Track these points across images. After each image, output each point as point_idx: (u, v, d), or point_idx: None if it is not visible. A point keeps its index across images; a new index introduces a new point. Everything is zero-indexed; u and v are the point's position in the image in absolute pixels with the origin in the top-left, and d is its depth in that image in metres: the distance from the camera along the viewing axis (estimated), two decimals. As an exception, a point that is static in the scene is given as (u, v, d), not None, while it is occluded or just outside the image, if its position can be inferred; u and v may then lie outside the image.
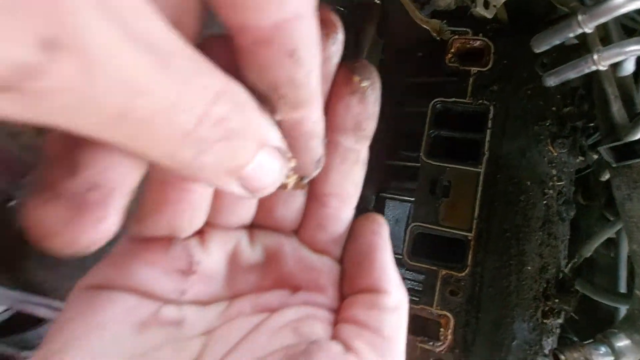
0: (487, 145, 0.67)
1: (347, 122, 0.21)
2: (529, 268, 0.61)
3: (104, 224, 0.14)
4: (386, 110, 0.74)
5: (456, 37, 0.72)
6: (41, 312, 0.32)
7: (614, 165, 0.57)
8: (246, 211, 0.23)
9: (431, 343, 0.63)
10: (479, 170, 0.66)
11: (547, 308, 0.61)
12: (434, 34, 0.73)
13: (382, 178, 0.80)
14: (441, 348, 0.63)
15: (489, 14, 0.65)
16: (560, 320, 0.62)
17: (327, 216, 0.23)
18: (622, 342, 0.55)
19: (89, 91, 0.10)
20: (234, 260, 0.23)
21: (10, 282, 0.34)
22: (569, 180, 0.64)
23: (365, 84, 0.21)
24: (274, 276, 0.23)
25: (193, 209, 0.20)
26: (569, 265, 0.74)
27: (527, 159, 0.64)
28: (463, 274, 0.64)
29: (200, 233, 0.21)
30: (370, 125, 0.22)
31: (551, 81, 0.57)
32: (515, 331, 0.60)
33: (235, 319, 0.21)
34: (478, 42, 0.71)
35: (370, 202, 0.79)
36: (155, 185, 0.19)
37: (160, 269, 0.20)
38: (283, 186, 0.20)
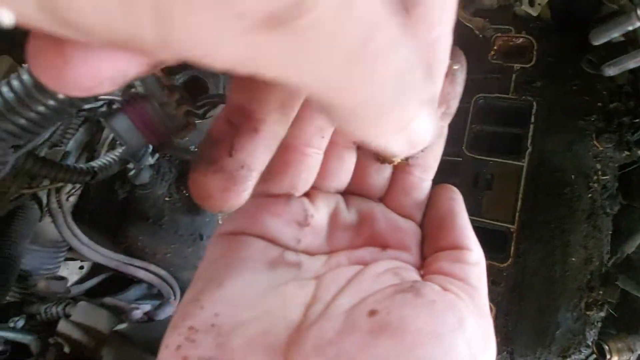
0: (530, 139, 0.68)
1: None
2: (574, 259, 0.62)
3: (244, 194, 0.19)
4: None
5: (499, 34, 0.74)
6: (140, 273, 0.36)
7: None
8: (345, 177, 0.26)
9: (472, 330, 0.65)
10: (522, 164, 0.68)
11: (590, 300, 0.62)
12: (477, 32, 0.75)
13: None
14: (483, 335, 0.64)
15: (534, 12, 0.67)
16: (602, 314, 0.63)
17: (411, 184, 0.26)
18: (669, 334, 0.56)
19: (338, 28, 0.10)
20: (333, 220, 0.25)
21: (115, 246, 0.38)
22: (613, 175, 0.65)
23: (456, 66, 0.23)
24: (365, 235, 0.26)
25: (308, 172, 0.24)
26: (611, 260, 0.74)
27: (573, 152, 0.65)
28: (505, 264, 0.65)
29: (308, 194, 0.25)
30: (455, 104, 0.25)
31: (610, 71, 0.58)
32: (559, 320, 0.61)
33: (337, 269, 0.23)
34: (521, 40, 0.73)
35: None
36: (280, 151, 0.22)
37: (282, 220, 0.23)
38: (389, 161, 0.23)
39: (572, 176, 0.64)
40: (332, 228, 0.25)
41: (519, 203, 0.66)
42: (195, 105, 0.31)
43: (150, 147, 0.38)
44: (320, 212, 0.25)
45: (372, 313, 0.19)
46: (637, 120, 0.66)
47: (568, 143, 0.66)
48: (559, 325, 0.61)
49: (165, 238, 0.39)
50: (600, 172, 0.64)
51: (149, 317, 0.34)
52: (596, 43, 0.57)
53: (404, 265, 0.25)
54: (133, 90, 0.29)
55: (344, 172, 0.26)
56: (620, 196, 0.76)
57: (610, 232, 0.65)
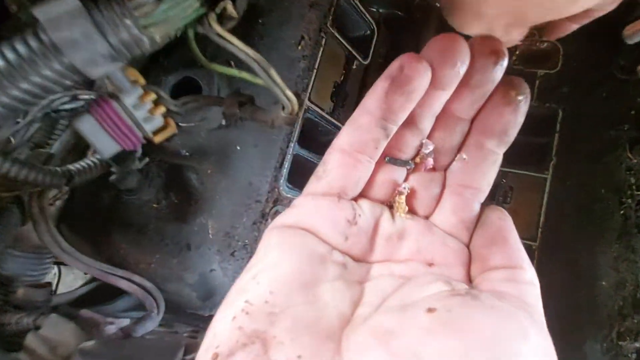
0: (554, 150, 0.63)
1: (496, 127, 0.26)
2: (604, 283, 0.56)
3: None
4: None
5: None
6: (123, 284, 0.34)
7: None
8: (392, 190, 0.27)
9: None
10: (546, 176, 0.62)
11: (623, 329, 0.55)
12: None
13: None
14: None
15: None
16: (638, 344, 0.56)
17: (460, 204, 0.27)
18: None
19: None
20: (377, 227, 0.26)
21: (97, 254, 0.37)
22: (649, 190, 0.59)
23: (520, 97, 0.25)
24: (411, 250, 0.26)
25: (359, 177, 0.26)
26: None
27: (603, 165, 0.59)
28: (525, 285, 0.60)
29: (355, 199, 0.26)
30: (513, 133, 0.26)
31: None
32: (586, 353, 0.55)
33: (380, 277, 0.24)
34: (546, 44, 0.68)
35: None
36: (335, 154, 0.26)
37: (332, 216, 0.24)
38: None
39: (602, 190, 0.58)
40: (376, 235, 0.26)
41: (542, 218, 0.61)
42: (175, 106, 0.29)
43: (140, 150, 0.37)
44: (366, 215, 0.25)
45: (431, 310, 0.19)
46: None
47: (597, 154, 0.60)
48: (586, 357, 0.55)
49: (150, 247, 0.37)
50: (634, 187, 0.58)
51: (125, 333, 0.32)
52: (631, 42, 0.52)
53: (452, 277, 0.25)
54: (102, 89, 0.27)
55: (393, 182, 0.27)
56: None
57: None
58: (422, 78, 0.24)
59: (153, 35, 0.23)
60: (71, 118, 0.26)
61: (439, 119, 0.28)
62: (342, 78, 0.58)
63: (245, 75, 0.29)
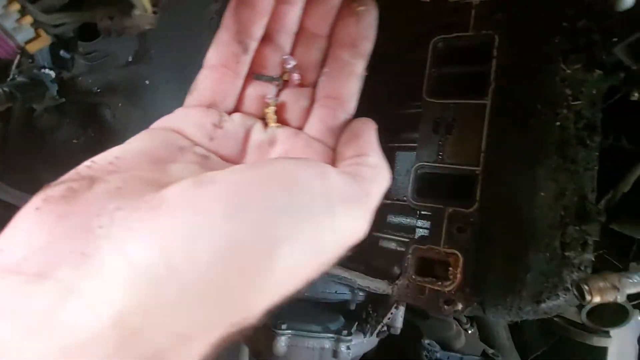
0: (493, 75, 0.63)
1: (345, 39, 0.30)
2: (543, 194, 0.56)
3: None
4: (392, 62, 0.73)
5: (456, -28, 0.69)
6: None
7: (634, 66, 0.50)
8: (262, 104, 0.31)
9: (440, 283, 0.60)
10: (485, 102, 0.63)
11: (568, 240, 0.55)
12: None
13: (391, 129, 0.79)
14: (451, 287, 0.60)
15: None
16: (589, 256, 0.56)
17: (326, 114, 0.31)
18: (664, 270, 0.48)
19: None
20: (249, 135, 0.30)
21: (28, 190, 0.41)
22: (590, 101, 0.58)
23: (361, 8, 0.29)
24: (277, 154, 0.29)
25: (227, 90, 0.30)
26: (604, 200, 0.66)
27: (538, 81, 0.59)
28: (471, 209, 0.60)
29: (230, 113, 0.30)
30: (364, 45, 0.30)
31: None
32: (530, 263, 0.55)
33: None
34: (480, -28, 0.68)
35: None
36: (204, 70, 0.29)
37: (198, 120, 0.28)
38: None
39: (538, 105, 0.58)
40: (247, 142, 0.30)
41: (484, 143, 0.61)
42: (42, 16, 0.32)
43: (55, 89, 0.40)
44: (235, 124, 0.30)
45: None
46: (614, 39, 0.58)
47: (532, 72, 0.60)
48: (529, 268, 0.55)
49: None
50: (570, 98, 0.57)
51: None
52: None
53: None
54: None
55: (262, 99, 0.31)
56: (625, 141, 0.68)
57: (594, 166, 0.58)
58: None
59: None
60: None
61: (298, 36, 0.32)
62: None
63: None
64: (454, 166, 0.63)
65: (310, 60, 0.31)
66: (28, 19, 0.32)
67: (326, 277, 0.64)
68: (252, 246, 0.18)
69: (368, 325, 0.72)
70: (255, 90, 0.32)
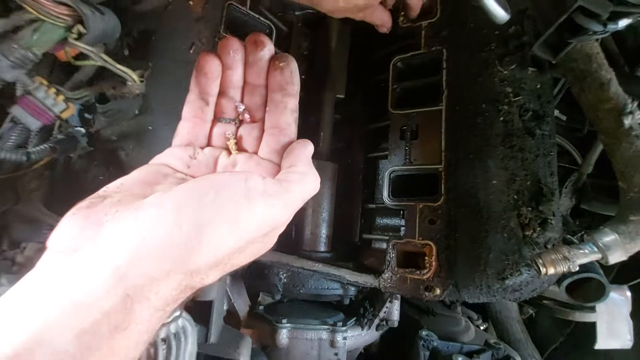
0: (444, 84, 0.72)
1: (275, 85, 0.40)
2: (495, 182, 0.62)
3: None
4: (364, 83, 0.86)
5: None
6: None
7: (554, 61, 0.57)
8: (224, 140, 0.43)
9: (418, 272, 0.67)
10: (441, 107, 0.71)
11: (525, 220, 0.61)
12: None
13: (371, 142, 0.89)
14: (428, 275, 0.66)
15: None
16: (553, 234, 0.61)
17: (271, 139, 0.41)
18: (608, 238, 0.53)
19: None
20: (216, 162, 0.42)
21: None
22: (535, 95, 0.65)
23: (282, 64, 0.40)
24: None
25: (198, 132, 0.42)
26: (569, 182, 0.71)
27: (480, 83, 0.67)
28: (438, 202, 0.67)
29: (202, 148, 0.42)
30: (291, 88, 0.41)
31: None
32: (490, 244, 0.61)
33: None
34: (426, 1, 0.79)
35: (361, 162, 0.88)
36: (181, 122, 0.42)
37: (178, 156, 0.41)
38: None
39: (483, 105, 0.66)
40: (216, 166, 0.41)
41: (443, 143, 0.69)
42: (70, 93, 0.46)
43: (85, 140, 0.54)
44: (206, 155, 0.42)
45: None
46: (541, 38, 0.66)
47: (475, 76, 0.68)
48: (490, 249, 0.61)
49: None
50: (511, 95, 0.65)
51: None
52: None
53: None
54: (24, 88, 0.45)
55: (224, 136, 0.44)
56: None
57: (548, 153, 0.64)
58: (212, 64, 0.41)
59: (35, 51, 0.40)
60: (11, 111, 0.45)
61: (244, 88, 0.43)
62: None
63: (90, 62, 0.47)
64: (421, 166, 0.71)
65: (255, 103, 0.43)
66: (61, 97, 0.47)
67: (318, 275, 0.72)
68: (188, 224, 0.29)
69: (365, 320, 0.79)
70: (219, 129, 0.43)
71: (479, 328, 1.02)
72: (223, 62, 0.41)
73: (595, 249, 0.54)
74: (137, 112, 0.55)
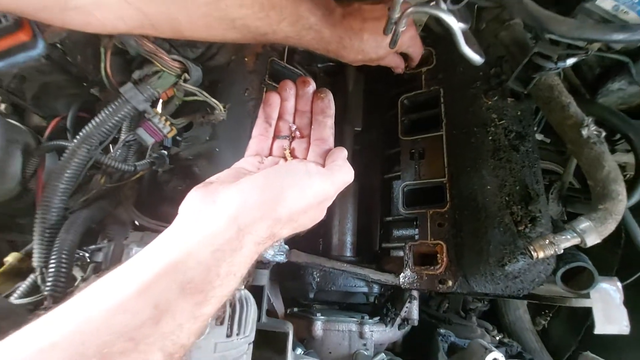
0: (443, 114, 0.89)
1: (318, 109, 0.57)
2: (489, 187, 0.76)
3: None
4: (378, 118, 1.07)
5: (408, 54, 1.01)
6: None
7: (525, 92, 0.74)
8: (283, 150, 0.58)
9: (432, 268, 0.79)
10: (442, 133, 0.88)
11: (517, 218, 0.74)
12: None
13: (386, 165, 1.05)
14: (440, 269, 0.78)
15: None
16: (542, 229, 0.73)
17: (316, 148, 0.55)
18: (584, 224, 0.66)
19: None
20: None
21: (156, 219, 0.70)
22: (514, 119, 0.81)
23: (322, 95, 0.58)
24: None
25: (263, 146, 0.58)
26: (553, 189, 0.85)
27: (471, 112, 0.84)
28: (445, 208, 0.81)
29: (266, 156, 0.57)
30: (328, 112, 0.57)
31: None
32: (489, 237, 0.73)
33: None
34: (424, 52, 0.99)
35: (378, 183, 1.03)
36: (252, 139, 0.58)
37: (250, 162, 0.54)
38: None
39: (475, 128, 0.82)
40: None
41: (445, 160, 0.85)
42: (175, 122, 0.64)
43: (167, 160, 0.72)
44: (269, 161, 0.56)
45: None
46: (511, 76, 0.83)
47: (466, 107, 0.85)
48: (490, 242, 0.73)
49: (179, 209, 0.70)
50: (496, 119, 0.81)
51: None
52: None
53: None
54: (145, 116, 0.64)
55: (282, 148, 0.59)
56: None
57: (532, 164, 0.78)
58: (274, 98, 0.58)
59: (158, 91, 0.59)
60: (135, 131, 0.63)
61: (295, 114, 0.60)
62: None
63: (194, 98, 0.66)
64: (429, 180, 0.86)
65: (303, 124, 0.59)
66: (168, 122, 0.66)
67: (346, 274, 0.83)
68: (274, 190, 0.44)
69: (388, 318, 0.88)
70: (278, 143, 0.59)
71: (495, 338, 1.09)
72: (281, 96, 0.59)
73: (575, 234, 0.66)
74: (207, 138, 0.73)
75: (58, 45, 0.64)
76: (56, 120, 0.74)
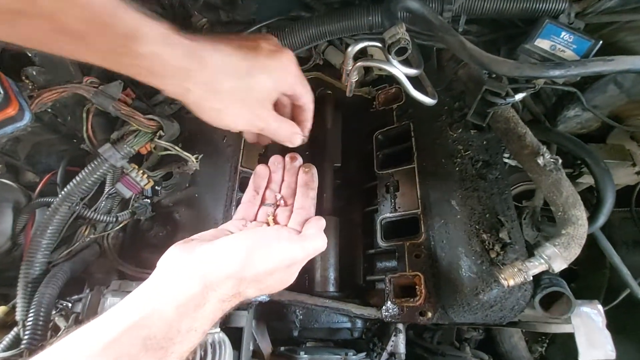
0: (414, 147, 0.93)
1: (302, 182, 0.63)
2: (459, 216, 0.79)
3: None
4: (356, 153, 1.12)
5: (380, 91, 1.08)
6: None
7: (484, 125, 0.79)
8: (266, 216, 0.63)
9: (412, 300, 0.80)
10: (413, 165, 0.92)
11: (488, 245, 0.75)
12: (366, 95, 1.10)
13: (364, 198, 1.08)
14: (420, 301, 0.79)
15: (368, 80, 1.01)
16: (514, 255, 0.75)
17: (298, 216, 0.60)
18: (549, 250, 0.67)
19: None
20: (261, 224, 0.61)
21: (137, 266, 0.73)
22: (480, 149, 0.85)
23: (307, 169, 0.65)
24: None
25: (251, 211, 0.64)
26: (526, 214, 0.87)
27: (438, 144, 0.88)
28: (420, 239, 0.83)
29: (251, 221, 0.62)
30: (312, 184, 0.63)
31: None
32: (462, 265, 0.75)
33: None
34: (394, 89, 1.06)
35: (359, 216, 1.06)
36: (241, 205, 0.64)
37: (235, 226, 0.60)
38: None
39: (442, 159, 0.86)
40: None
41: (418, 192, 0.88)
42: (153, 175, 0.69)
43: (150, 208, 0.76)
44: (252, 225, 0.61)
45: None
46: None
47: (433, 139, 0.90)
48: (464, 270, 0.74)
49: (160, 255, 0.73)
50: (462, 150, 0.85)
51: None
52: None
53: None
54: (123, 172, 0.69)
55: (266, 214, 0.63)
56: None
57: (505, 191, 0.80)
58: (264, 172, 0.65)
59: (134, 148, 0.64)
60: (114, 185, 0.68)
61: (281, 184, 0.66)
62: (263, 150, 0.98)
63: (167, 152, 0.71)
64: (404, 212, 0.89)
65: (287, 194, 0.63)
66: (145, 175, 0.71)
67: (329, 310, 0.84)
68: (243, 250, 0.47)
69: (375, 353, 0.87)
70: (263, 210, 0.63)
71: (491, 369, 1.06)
72: (271, 169, 0.65)
73: (542, 261, 0.67)
74: (187, 185, 0.77)
75: (49, 110, 0.71)
76: (47, 177, 0.80)
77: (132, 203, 0.75)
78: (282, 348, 0.89)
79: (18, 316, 0.61)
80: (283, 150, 0.67)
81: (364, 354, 0.86)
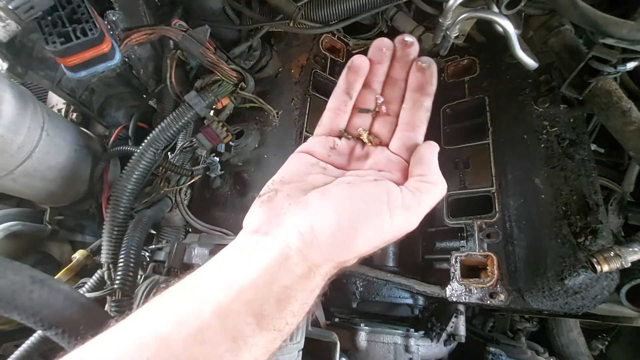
0: (489, 123, 0.87)
1: (416, 84, 0.42)
2: (543, 196, 0.73)
3: None
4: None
5: (449, 62, 1.01)
6: (217, 234, 0.68)
7: (580, 97, 0.72)
8: (362, 130, 0.45)
9: (482, 281, 0.76)
10: (488, 141, 0.86)
11: (576, 229, 0.70)
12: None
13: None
14: (491, 282, 0.74)
15: (460, 41, 0.94)
16: (603, 241, 0.69)
17: (403, 135, 0.43)
18: (653, 237, 0.61)
19: None
20: (351, 152, 0.45)
21: (206, 222, 0.73)
22: (567, 126, 0.78)
23: (424, 65, 0.42)
24: (369, 164, 0.44)
25: (339, 123, 0.46)
26: (613, 200, 0.80)
27: (520, 120, 0.82)
28: (494, 218, 0.78)
29: (340, 137, 0.46)
30: (429, 88, 0.41)
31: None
32: (546, 249, 0.69)
33: (349, 176, 0.43)
34: (466, 61, 0.99)
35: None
36: (325, 112, 0.45)
37: (320, 145, 0.45)
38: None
39: (525, 136, 0.80)
40: (350, 156, 0.46)
41: (493, 169, 0.82)
42: (230, 128, 0.66)
43: (219, 167, 0.75)
44: (343, 145, 0.46)
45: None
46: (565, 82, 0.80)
47: (515, 115, 0.83)
48: (547, 254, 0.69)
49: (230, 212, 0.70)
50: (548, 126, 0.78)
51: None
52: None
53: (389, 178, 0.42)
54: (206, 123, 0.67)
55: (361, 123, 0.46)
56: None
57: (589, 173, 0.74)
58: (362, 63, 0.43)
59: (218, 97, 0.62)
60: (195, 135, 0.67)
61: (385, 82, 0.45)
62: (327, 118, 0.94)
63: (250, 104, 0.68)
64: (475, 190, 0.84)
65: (393, 97, 0.44)
66: (224, 128, 0.69)
67: (390, 285, 0.82)
68: (346, 227, 0.35)
69: (434, 333, 0.84)
70: (358, 119, 0.45)
71: (547, 361, 1.01)
72: (374, 58, 0.44)
73: (642, 247, 0.61)
74: (256, 145, 0.75)
75: (126, 59, 0.70)
76: (119, 129, 0.80)
77: (203, 159, 0.74)
78: (336, 319, 0.88)
79: (103, 259, 0.61)
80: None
81: (422, 332, 0.84)
